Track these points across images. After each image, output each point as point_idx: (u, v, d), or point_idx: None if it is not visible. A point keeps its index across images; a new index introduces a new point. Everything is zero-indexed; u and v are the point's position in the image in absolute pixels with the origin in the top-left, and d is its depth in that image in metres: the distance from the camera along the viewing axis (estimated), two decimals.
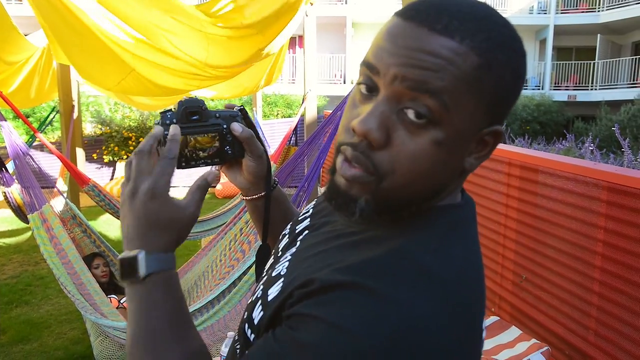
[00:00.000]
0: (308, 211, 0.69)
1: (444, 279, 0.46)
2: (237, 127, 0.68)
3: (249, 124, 0.71)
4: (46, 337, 3.11)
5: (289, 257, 0.59)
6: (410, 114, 0.45)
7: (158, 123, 0.66)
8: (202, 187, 0.61)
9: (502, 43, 0.46)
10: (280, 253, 0.67)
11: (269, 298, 0.54)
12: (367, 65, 0.48)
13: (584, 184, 2.15)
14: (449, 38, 0.44)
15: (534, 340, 2.07)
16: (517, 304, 2.61)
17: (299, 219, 0.69)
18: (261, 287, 0.59)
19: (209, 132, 0.67)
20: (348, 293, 0.44)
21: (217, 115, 0.69)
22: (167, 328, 0.54)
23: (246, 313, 0.59)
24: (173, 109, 0.67)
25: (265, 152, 0.72)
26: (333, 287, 0.46)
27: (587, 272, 2.14)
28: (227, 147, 0.69)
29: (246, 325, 0.56)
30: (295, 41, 13.38)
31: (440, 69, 0.44)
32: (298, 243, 0.62)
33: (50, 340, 3.06)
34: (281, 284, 0.54)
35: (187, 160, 0.67)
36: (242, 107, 0.73)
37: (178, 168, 0.65)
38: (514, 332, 2.17)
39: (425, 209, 0.51)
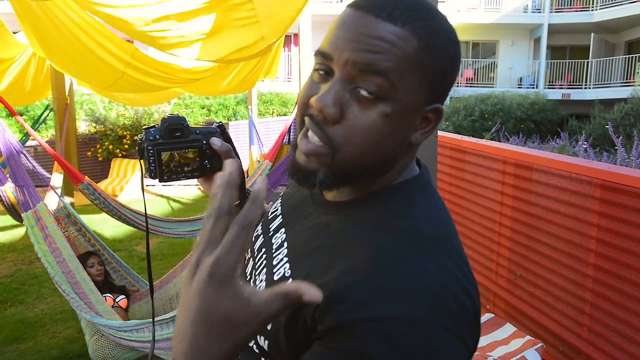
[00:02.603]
0: (277, 209, 0.72)
1: (442, 238, 0.52)
2: (216, 142, 0.74)
3: (227, 138, 0.77)
4: (41, 336, 3.10)
5: (285, 258, 0.59)
6: (362, 91, 0.51)
7: (142, 139, 0.70)
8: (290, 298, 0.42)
9: (439, 31, 0.52)
10: (256, 252, 0.67)
11: None
12: (322, 54, 0.53)
13: (577, 182, 2.16)
14: (393, 24, 0.49)
15: (528, 337, 2.08)
16: (512, 301, 2.62)
17: (269, 217, 0.71)
18: None
19: (190, 148, 0.72)
20: (382, 282, 0.46)
21: (197, 131, 0.73)
22: None
23: None
24: (156, 125, 0.71)
25: (241, 164, 0.76)
26: (364, 283, 0.46)
27: (581, 269, 2.15)
28: (206, 161, 0.74)
29: (258, 336, 0.56)
30: (291, 39, 13.37)
31: (386, 51, 0.49)
32: (285, 243, 0.62)
33: (45, 340, 3.05)
34: None
35: (169, 175, 0.71)
36: (220, 124, 0.77)
37: (160, 182, 0.71)
38: (508, 329, 2.19)
39: (382, 181, 0.57)
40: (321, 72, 0.54)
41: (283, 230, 0.65)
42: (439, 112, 0.55)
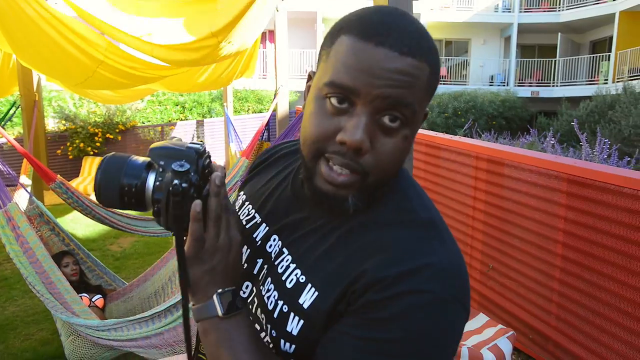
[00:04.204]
0: (253, 217, 0.71)
1: (439, 222, 0.61)
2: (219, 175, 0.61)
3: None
4: (12, 339, 3.01)
5: (292, 265, 0.62)
6: (386, 119, 0.56)
7: (178, 187, 0.54)
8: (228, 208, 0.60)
9: (436, 51, 0.59)
10: (246, 265, 0.68)
11: (306, 306, 0.58)
12: (342, 87, 0.55)
13: (546, 176, 2.25)
14: (414, 58, 0.54)
15: (500, 326, 2.16)
16: (485, 292, 2.71)
17: (248, 226, 0.71)
18: (279, 303, 0.61)
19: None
20: (408, 267, 0.54)
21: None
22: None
23: (274, 332, 0.60)
24: (183, 163, 0.55)
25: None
26: (399, 279, 0.54)
27: (549, 260, 2.25)
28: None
29: (282, 342, 0.59)
30: (266, 36, 13.28)
31: (412, 85, 0.55)
32: (285, 249, 0.64)
33: (18, 342, 2.97)
34: (313, 289, 0.58)
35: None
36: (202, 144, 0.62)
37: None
38: (481, 318, 2.27)
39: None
40: (335, 102, 0.56)
41: (275, 237, 0.66)
42: (426, 116, 0.62)
